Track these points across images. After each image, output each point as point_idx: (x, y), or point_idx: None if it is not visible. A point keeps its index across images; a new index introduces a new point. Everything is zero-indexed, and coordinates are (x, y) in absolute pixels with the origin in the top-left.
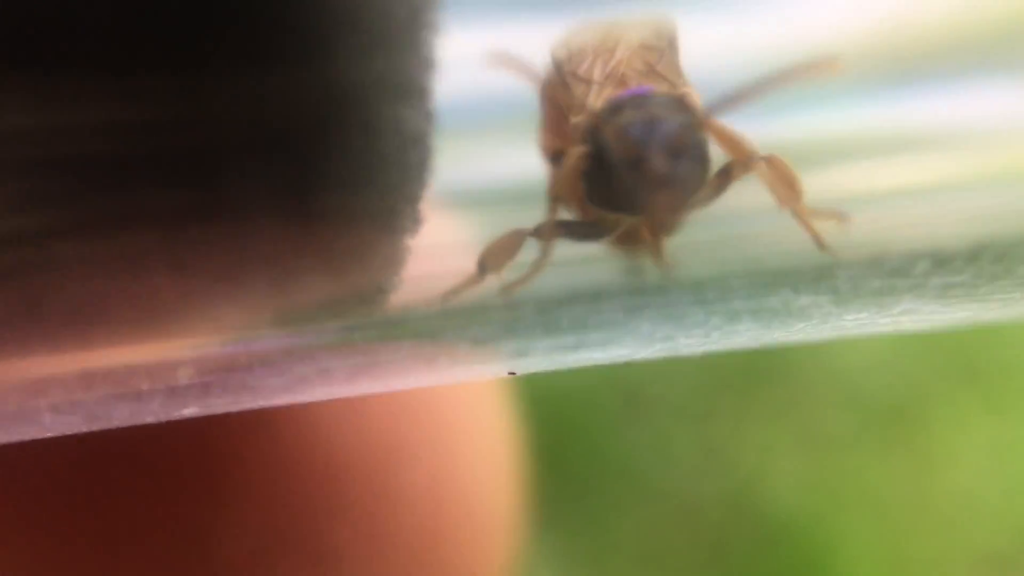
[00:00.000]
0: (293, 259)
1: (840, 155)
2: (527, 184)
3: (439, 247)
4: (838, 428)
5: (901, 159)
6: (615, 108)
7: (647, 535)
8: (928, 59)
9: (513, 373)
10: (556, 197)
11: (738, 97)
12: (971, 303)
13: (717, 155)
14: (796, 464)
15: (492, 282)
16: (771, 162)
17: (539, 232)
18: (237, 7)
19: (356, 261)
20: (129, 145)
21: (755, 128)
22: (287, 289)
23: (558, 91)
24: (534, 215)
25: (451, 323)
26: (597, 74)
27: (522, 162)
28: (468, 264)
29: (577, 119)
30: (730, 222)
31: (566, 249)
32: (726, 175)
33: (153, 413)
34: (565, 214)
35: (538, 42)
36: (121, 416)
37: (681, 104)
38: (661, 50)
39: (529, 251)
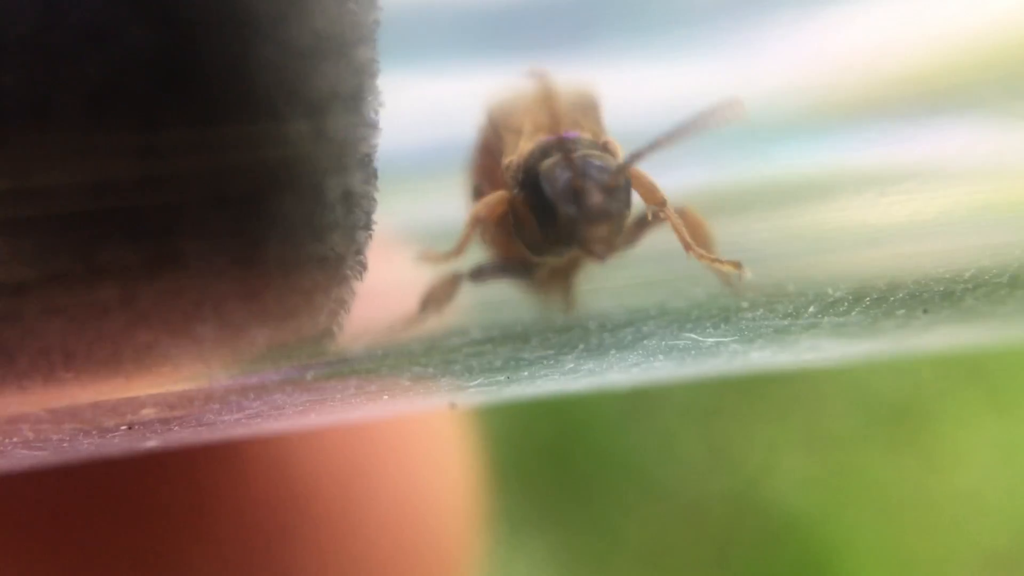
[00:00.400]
0: (245, 306)
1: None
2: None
3: (383, 291)
4: (843, 427)
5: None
6: (545, 150)
7: (652, 533)
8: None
9: (454, 405)
10: (485, 240)
11: (652, 146)
12: (865, 340)
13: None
14: (801, 463)
15: (433, 322)
16: (682, 211)
17: (475, 275)
18: (192, 72)
19: (305, 306)
20: (92, 204)
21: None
22: (240, 334)
23: (490, 139)
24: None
25: (394, 362)
26: (528, 125)
27: (459, 207)
28: (410, 305)
29: (508, 159)
30: (641, 266)
31: (495, 291)
32: (643, 221)
33: (116, 447)
34: (492, 256)
35: (472, 96)
36: (87, 450)
37: (606, 148)
38: (585, 107)
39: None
